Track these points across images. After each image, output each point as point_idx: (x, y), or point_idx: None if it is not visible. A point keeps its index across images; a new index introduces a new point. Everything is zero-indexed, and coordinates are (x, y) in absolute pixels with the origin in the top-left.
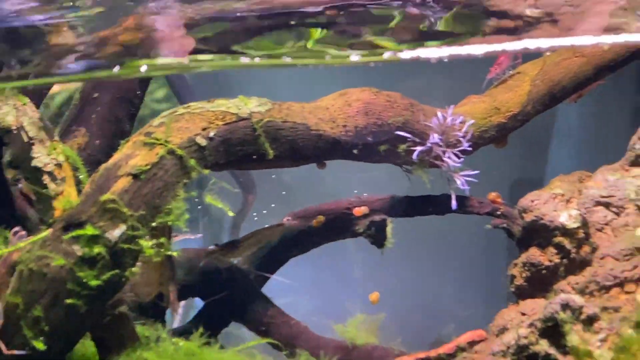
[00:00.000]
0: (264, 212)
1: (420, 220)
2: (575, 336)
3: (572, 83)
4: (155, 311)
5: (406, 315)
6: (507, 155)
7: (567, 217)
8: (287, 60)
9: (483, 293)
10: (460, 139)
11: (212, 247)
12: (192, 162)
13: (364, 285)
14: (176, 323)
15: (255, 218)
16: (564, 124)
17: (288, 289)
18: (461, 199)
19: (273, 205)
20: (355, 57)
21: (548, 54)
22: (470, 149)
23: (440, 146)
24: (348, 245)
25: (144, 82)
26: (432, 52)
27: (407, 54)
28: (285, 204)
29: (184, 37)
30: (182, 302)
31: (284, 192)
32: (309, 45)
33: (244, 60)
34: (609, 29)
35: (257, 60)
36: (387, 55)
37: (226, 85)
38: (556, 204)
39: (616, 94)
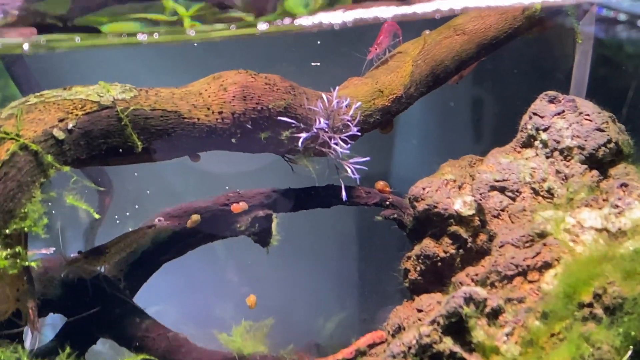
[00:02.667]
0: (127, 214)
1: (295, 214)
2: (480, 331)
3: (455, 62)
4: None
5: (283, 317)
6: (354, 150)
7: (461, 204)
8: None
9: (361, 291)
10: (348, 122)
11: (74, 254)
12: (49, 158)
13: (237, 289)
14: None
15: (117, 221)
16: (407, 117)
17: (153, 298)
18: (347, 190)
19: (137, 206)
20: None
21: (427, 32)
22: (359, 133)
23: (327, 132)
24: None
25: None
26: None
27: (308, 20)
28: (150, 204)
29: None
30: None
31: (148, 191)
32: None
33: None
34: None
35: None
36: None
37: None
38: (449, 190)
39: (454, 86)
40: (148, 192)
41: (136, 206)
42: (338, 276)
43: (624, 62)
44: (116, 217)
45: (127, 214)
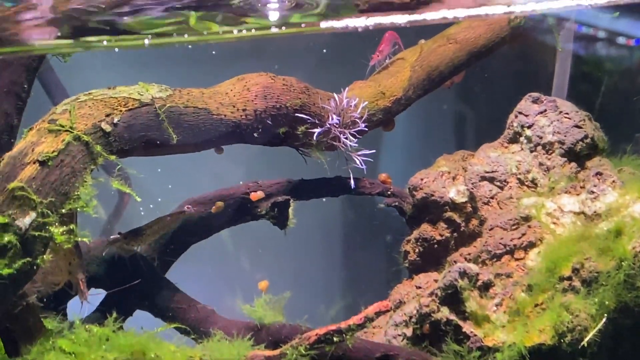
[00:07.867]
0: (151, 206)
1: (302, 210)
2: (473, 302)
3: (449, 68)
4: (54, 302)
5: (288, 304)
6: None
7: (455, 193)
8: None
9: (361, 280)
10: (357, 119)
11: (114, 236)
12: (99, 148)
13: (249, 276)
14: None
15: (142, 213)
16: (404, 116)
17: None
18: (354, 181)
19: (159, 199)
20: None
21: (423, 41)
22: (366, 129)
23: (338, 127)
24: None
25: (31, 76)
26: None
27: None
28: (172, 197)
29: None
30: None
31: (170, 186)
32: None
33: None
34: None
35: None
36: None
37: None
38: (444, 181)
39: (438, 99)
40: (170, 186)
41: (159, 199)
42: (340, 267)
43: (602, 78)
44: (141, 209)
45: (151, 206)
